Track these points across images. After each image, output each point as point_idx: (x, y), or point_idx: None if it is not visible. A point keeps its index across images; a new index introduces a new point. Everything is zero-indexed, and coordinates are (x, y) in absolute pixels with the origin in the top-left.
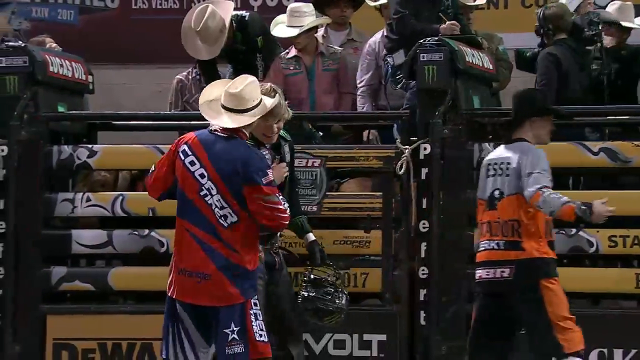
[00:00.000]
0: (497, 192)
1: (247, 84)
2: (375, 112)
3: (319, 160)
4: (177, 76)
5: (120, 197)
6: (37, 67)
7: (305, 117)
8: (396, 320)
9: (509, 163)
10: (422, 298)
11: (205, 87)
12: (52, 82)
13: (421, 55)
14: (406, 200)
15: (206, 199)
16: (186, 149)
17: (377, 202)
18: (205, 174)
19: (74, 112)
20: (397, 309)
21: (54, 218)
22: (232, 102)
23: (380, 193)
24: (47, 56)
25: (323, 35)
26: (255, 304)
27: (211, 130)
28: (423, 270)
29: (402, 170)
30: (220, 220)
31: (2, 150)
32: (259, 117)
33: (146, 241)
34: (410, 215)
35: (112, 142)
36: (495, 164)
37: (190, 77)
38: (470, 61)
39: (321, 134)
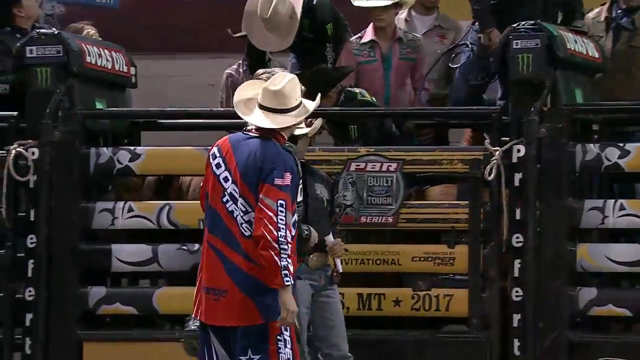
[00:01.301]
0: None
1: (288, 81)
2: (460, 108)
3: (396, 164)
4: (227, 70)
5: (167, 207)
6: (73, 58)
7: (387, 114)
8: (486, 350)
9: None
10: (515, 324)
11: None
12: (90, 74)
13: (514, 41)
14: (497, 210)
15: (228, 205)
16: (215, 151)
17: (462, 213)
18: (230, 177)
19: (114, 109)
20: (486, 336)
21: (91, 230)
22: (272, 100)
23: (467, 202)
24: (83, 45)
25: (406, 19)
26: (286, 328)
27: (245, 130)
28: (517, 291)
29: (492, 176)
30: (242, 229)
31: (33, 153)
32: (302, 118)
33: (196, 257)
34: (502, 228)
35: (157, 143)
36: None
37: (241, 70)
38: (572, 48)
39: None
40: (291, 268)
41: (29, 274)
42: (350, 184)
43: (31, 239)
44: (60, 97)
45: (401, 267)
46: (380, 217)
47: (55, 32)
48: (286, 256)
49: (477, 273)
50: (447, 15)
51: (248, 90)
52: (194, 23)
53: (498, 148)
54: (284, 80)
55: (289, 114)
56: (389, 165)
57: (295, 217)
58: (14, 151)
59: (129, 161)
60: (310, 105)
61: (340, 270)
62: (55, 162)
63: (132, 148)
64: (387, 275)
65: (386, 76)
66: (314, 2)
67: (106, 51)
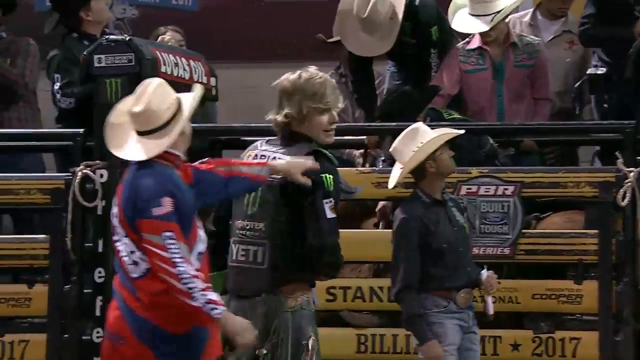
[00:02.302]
0: None
1: (151, 94)
2: (586, 123)
3: (513, 187)
4: None
5: None
6: (145, 67)
7: (488, 129)
8: None
9: None
10: None
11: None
12: None
13: None
14: (631, 240)
15: (117, 244)
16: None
17: (591, 243)
18: (116, 214)
19: (192, 124)
20: None
21: None
22: (139, 123)
23: (596, 231)
24: (158, 53)
25: (530, 23)
26: None
27: None
28: None
29: (626, 201)
30: (129, 269)
31: (101, 176)
32: (177, 134)
33: None
34: (637, 261)
35: None
36: None
37: (335, 80)
38: None
39: (512, 151)
40: (210, 296)
41: (97, 313)
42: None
43: (99, 272)
44: None
45: (520, 306)
46: (496, 248)
47: (127, 39)
48: (198, 290)
49: (608, 313)
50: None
51: (122, 110)
52: (281, 26)
53: (633, 169)
54: (147, 94)
55: (160, 133)
56: (505, 189)
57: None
58: (80, 173)
59: None
60: (190, 99)
61: (491, 312)
62: None
63: None
64: (504, 315)
65: (498, 87)
66: (417, 2)
67: (183, 59)
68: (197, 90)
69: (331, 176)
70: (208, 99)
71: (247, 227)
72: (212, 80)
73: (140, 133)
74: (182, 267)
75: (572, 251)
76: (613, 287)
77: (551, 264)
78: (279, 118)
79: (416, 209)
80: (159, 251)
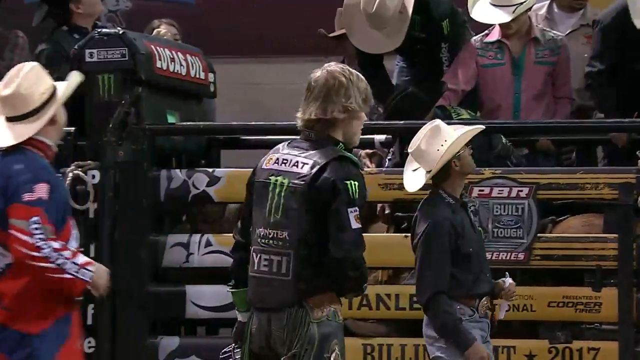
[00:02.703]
0: None
1: (23, 78)
2: (605, 121)
3: (527, 188)
4: None
5: None
6: (140, 62)
7: (500, 127)
8: None
9: None
10: None
11: None
12: (160, 82)
13: None
14: None
15: None
16: None
17: (610, 248)
18: None
19: (189, 123)
20: None
21: (162, 269)
22: (8, 107)
23: (615, 235)
24: (153, 47)
25: (546, 16)
26: None
27: None
28: None
29: None
30: None
31: (93, 177)
32: (48, 118)
33: None
34: None
35: (241, 164)
36: None
37: None
38: None
39: (525, 151)
40: (79, 261)
41: (89, 322)
42: (473, 212)
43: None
44: (125, 110)
45: (535, 314)
46: (509, 253)
47: (120, 32)
48: (68, 261)
49: (628, 322)
50: (599, 12)
51: None
52: (283, 19)
53: None
54: (19, 78)
55: (29, 119)
56: (519, 191)
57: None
58: (70, 174)
59: (207, 186)
60: (64, 88)
61: (502, 317)
62: (119, 187)
63: (210, 170)
64: (518, 324)
65: (516, 83)
66: None
67: (180, 54)
68: (74, 77)
69: (356, 183)
70: (206, 95)
71: (270, 236)
72: (210, 76)
73: (9, 119)
74: (46, 248)
75: (590, 256)
76: (634, 295)
77: (568, 270)
78: (313, 116)
79: (444, 211)
80: (23, 237)
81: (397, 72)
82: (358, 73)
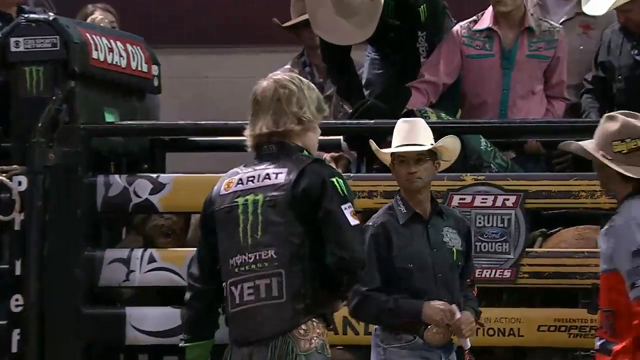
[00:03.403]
0: None
1: None
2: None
3: (515, 197)
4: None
5: None
6: (73, 53)
7: (480, 127)
8: None
9: None
10: None
11: (324, 85)
12: (97, 75)
13: None
14: None
15: None
16: None
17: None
18: None
19: (129, 122)
20: None
21: (99, 288)
22: None
23: None
24: (88, 35)
25: (538, 3)
26: None
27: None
28: None
29: None
30: None
31: (19, 183)
32: None
33: None
34: None
35: (189, 169)
36: None
37: (296, 70)
38: None
39: (513, 155)
40: None
41: (14, 349)
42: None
43: (16, 300)
44: (56, 107)
45: (523, 340)
46: (494, 271)
47: (50, 18)
48: None
49: None
50: None
51: None
52: (238, 5)
53: None
54: None
55: None
56: (505, 199)
57: None
58: None
59: (150, 193)
60: None
61: (468, 347)
62: (49, 195)
63: (154, 176)
64: (503, 351)
65: (505, 77)
66: None
67: (119, 44)
68: None
69: (341, 180)
70: (149, 90)
71: (251, 260)
72: (154, 69)
73: None
74: None
75: (585, 274)
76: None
77: (560, 290)
78: (265, 129)
79: (383, 217)
80: None
81: (367, 65)
82: (308, 81)
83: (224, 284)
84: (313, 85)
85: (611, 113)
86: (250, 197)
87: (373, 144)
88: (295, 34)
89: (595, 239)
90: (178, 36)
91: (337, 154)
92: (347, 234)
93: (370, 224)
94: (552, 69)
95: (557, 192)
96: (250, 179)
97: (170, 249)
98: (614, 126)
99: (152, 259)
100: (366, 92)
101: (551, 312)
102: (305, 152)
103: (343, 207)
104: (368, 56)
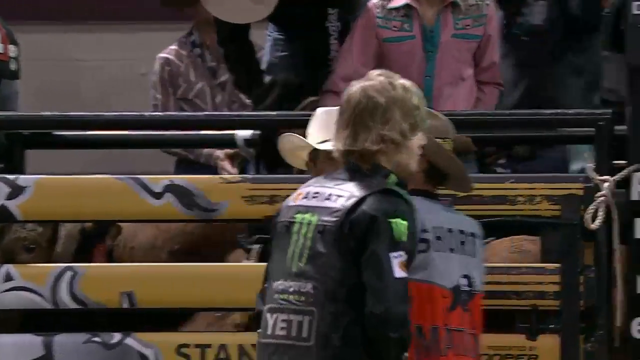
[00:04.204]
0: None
1: None
2: (543, 112)
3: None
4: (161, 54)
5: (69, 274)
6: None
7: None
8: None
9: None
10: None
11: (217, 69)
12: None
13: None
14: (606, 278)
15: None
16: None
17: (550, 283)
18: None
19: None
20: None
21: None
22: None
23: (557, 265)
24: None
25: None
26: None
27: None
28: None
29: (598, 223)
30: None
31: None
32: None
33: (117, 355)
34: (615, 308)
35: (53, 170)
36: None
37: (184, 52)
38: None
39: None
40: None
41: None
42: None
43: None
44: None
45: None
46: None
47: None
48: None
49: None
50: None
51: None
52: None
53: (608, 177)
54: None
55: None
56: None
57: None
58: None
59: (7, 198)
60: None
61: None
62: None
63: (11, 177)
64: None
65: (428, 63)
66: None
67: None
68: None
69: (405, 223)
70: (5, 75)
71: (291, 290)
72: (11, 49)
73: None
74: None
75: (523, 293)
76: (580, 345)
77: (494, 312)
78: (342, 147)
79: None
80: None
81: (269, 46)
82: (407, 85)
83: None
84: (416, 92)
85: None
86: (307, 217)
87: (295, 139)
88: (181, 9)
89: (534, 252)
90: (39, 11)
91: (232, 151)
92: (386, 285)
93: None
94: (483, 50)
95: (489, 197)
96: (315, 195)
97: (31, 264)
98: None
99: (9, 277)
100: (268, 79)
101: (484, 338)
102: (393, 176)
103: (392, 254)
104: (270, 36)
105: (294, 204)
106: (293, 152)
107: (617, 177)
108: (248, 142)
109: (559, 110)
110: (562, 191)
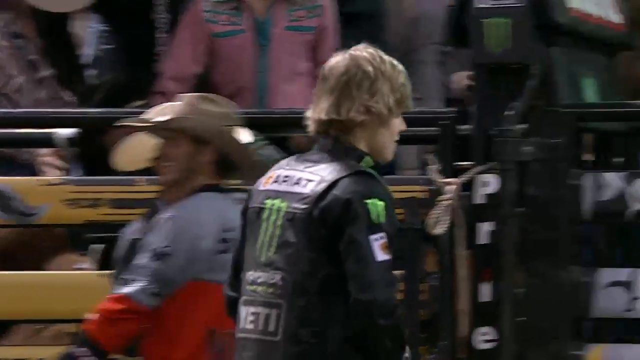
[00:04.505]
0: None
1: None
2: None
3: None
4: None
5: None
6: None
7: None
8: None
9: None
10: None
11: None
12: None
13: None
14: (449, 286)
15: None
16: None
17: None
18: None
19: None
20: None
21: None
22: None
23: (399, 272)
24: None
25: None
26: None
27: None
28: None
29: (441, 228)
30: None
31: None
32: None
33: None
34: (458, 317)
35: None
36: None
37: (4, 43)
38: (580, 9)
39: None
40: None
41: None
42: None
43: None
44: None
45: None
46: None
47: None
48: None
49: None
50: None
51: None
52: None
53: (452, 179)
54: None
55: None
56: None
57: None
58: None
59: None
60: None
61: None
62: None
63: None
64: None
65: (261, 57)
66: None
67: None
68: None
69: (382, 203)
70: None
71: (259, 281)
72: None
73: None
74: None
75: None
76: (423, 355)
77: None
78: (324, 116)
79: None
80: None
81: (93, 39)
82: (395, 62)
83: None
84: (403, 70)
85: None
86: (276, 203)
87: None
88: None
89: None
90: None
91: (52, 151)
92: (370, 271)
93: None
94: (319, 44)
95: None
96: (285, 178)
97: None
98: None
99: None
100: (94, 73)
101: None
102: (368, 159)
103: (372, 237)
104: (91, 28)
105: (264, 188)
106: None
107: (461, 179)
108: (69, 141)
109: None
110: (403, 193)
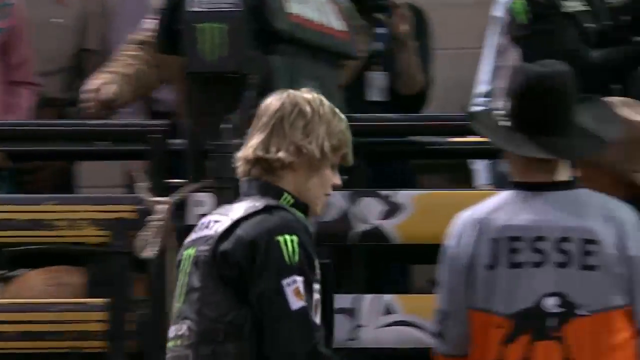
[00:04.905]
0: (554, 301)
1: None
2: (87, 123)
3: None
4: None
5: None
6: None
7: None
8: None
9: (588, 239)
10: None
11: None
12: None
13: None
14: (159, 315)
15: None
16: None
17: (96, 320)
18: None
19: None
20: None
21: None
22: None
23: (105, 300)
24: None
25: None
26: None
27: None
28: None
29: (152, 252)
30: None
31: None
32: None
33: None
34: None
35: None
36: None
37: None
38: (301, 15)
39: None
40: None
41: None
42: None
43: None
44: None
45: None
46: None
47: None
48: None
49: None
50: None
51: None
52: None
53: (163, 198)
54: None
55: None
56: None
57: None
58: None
59: None
60: None
61: None
62: None
63: None
64: None
65: None
66: None
67: None
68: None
69: (294, 237)
70: None
71: (172, 335)
72: None
73: None
74: None
75: (62, 334)
76: None
77: (28, 356)
78: (251, 153)
79: None
80: None
81: None
82: (337, 110)
83: None
84: (345, 120)
85: None
86: (189, 252)
87: None
88: None
89: (78, 285)
90: None
91: None
92: (286, 325)
93: None
94: (11, 46)
95: (22, 220)
96: (200, 225)
97: None
98: None
99: None
100: None
101: None
102: (288, 198)
103: (284, 281)
104: None
105: (188, 239)
106: None
107: (173, 198)
108: None
109: (101, 121)
110: (111, 214)
